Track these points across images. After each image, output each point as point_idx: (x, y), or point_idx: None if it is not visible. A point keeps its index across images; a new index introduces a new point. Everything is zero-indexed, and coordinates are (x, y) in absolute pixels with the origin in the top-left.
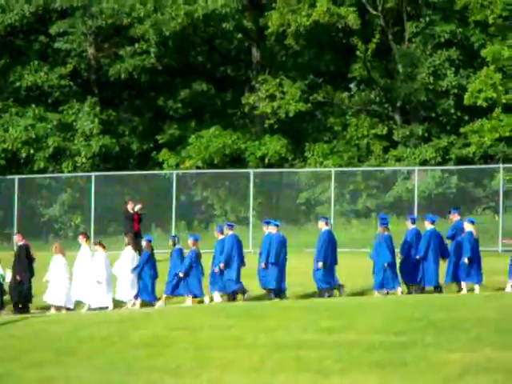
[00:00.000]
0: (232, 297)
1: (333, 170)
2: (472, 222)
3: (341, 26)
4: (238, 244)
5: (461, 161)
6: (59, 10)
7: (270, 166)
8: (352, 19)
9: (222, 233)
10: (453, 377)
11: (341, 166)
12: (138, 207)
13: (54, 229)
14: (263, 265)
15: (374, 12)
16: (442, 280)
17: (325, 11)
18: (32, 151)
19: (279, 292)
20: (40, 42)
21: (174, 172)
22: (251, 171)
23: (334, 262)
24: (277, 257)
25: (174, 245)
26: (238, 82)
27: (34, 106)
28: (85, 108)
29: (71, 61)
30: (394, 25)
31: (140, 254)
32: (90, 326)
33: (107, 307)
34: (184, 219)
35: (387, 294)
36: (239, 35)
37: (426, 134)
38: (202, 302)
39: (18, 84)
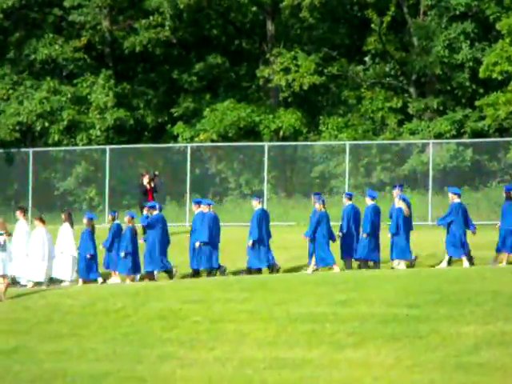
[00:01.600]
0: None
1: (347, 143)
2: (404, 200)
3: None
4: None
5: (476, 134)
6: None
7: (284, 139)
8: None
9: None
10: (466, 350)
11: (355, 139)
12: (146, 180)
13: (68, 202)
14: (201, 244)
15: None
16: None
17: None
18: (46, 124)
19: (211, 270)
20: (54, 14)
21: (189, 145)
22: (266, 144)
23: (268, 239)
24: (210, 236)
25: (113, 220)
26: (252, 55)
27: (48, 78)
28: (99, 81)
29: (86, 34)
30: None
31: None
32: (104, 299)
33: (42, 282)
34: (198, 192)
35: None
36: (254, 8)
37: (440, 107)
38: (133, 279)
39: (32, 57)
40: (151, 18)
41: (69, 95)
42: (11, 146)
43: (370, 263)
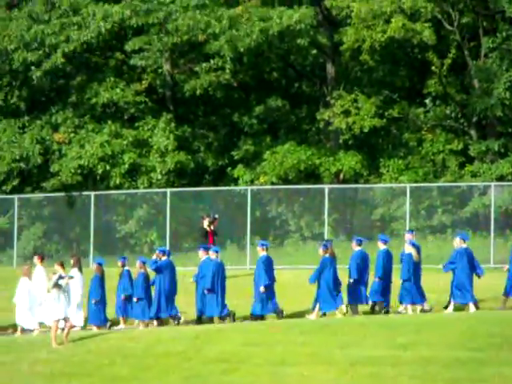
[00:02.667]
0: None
1: (408, 185)
2: (413, 245)
3: (416, 42)
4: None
5: None
6: (135, 26)
7: (344, 181)
8: (427, 35)
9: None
10: None
11: (416, 181)
12: (206, 223)
13: (129, 245)
14: (206, 291)
15: (450, 27)
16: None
17: (400, 27)
18: (108, 167)
19: (221, 317)
20: (116, 58)
21: (249, 188)
22: (326, 187)
23: (273, 287)
24: (214, 283)
25: (123, 266)
26: (312, 98)
27: (109, 122)
28: (160, 124)
29: (147, 77)
30: (470, 40)
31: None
32: (165, 341)
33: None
34: (258, 235)
35: (324, 314)
36: (314, 51)
37: (502, 150)
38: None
39: (94, 101)
40: (212, 61)
41: (130, 138)
42: (73, 190)
43: (377, 307)
